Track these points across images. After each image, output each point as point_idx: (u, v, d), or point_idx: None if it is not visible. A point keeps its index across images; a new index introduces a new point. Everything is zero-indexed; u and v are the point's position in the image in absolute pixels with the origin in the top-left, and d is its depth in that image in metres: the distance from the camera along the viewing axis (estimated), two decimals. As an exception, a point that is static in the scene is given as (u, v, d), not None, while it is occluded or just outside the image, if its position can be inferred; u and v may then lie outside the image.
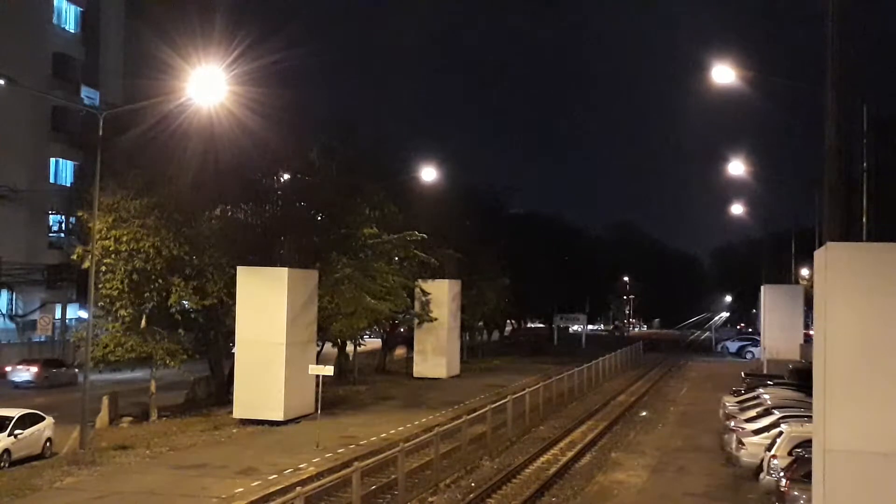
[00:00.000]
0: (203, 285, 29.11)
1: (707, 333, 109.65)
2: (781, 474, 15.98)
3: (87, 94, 51.95)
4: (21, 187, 46.04)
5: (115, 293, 27.97)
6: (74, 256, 29.47)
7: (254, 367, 27.31)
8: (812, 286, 14.05)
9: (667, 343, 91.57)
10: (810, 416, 13.04)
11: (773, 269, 52.57)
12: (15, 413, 22.96)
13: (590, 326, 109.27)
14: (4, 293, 48.96)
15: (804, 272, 57.03)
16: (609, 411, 34.13)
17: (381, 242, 36.00)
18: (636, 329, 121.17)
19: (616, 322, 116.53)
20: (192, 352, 31.86)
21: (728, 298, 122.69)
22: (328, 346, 39.03)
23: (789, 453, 16.85)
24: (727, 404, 26.97)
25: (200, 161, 28.42)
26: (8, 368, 40.27)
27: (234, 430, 26.29)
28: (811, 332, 19.58)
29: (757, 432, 20.40)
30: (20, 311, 49.67)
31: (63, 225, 51.19)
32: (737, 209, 56.08)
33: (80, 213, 31.33)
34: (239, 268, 28.30)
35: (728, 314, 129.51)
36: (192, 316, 30.61)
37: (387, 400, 34.43)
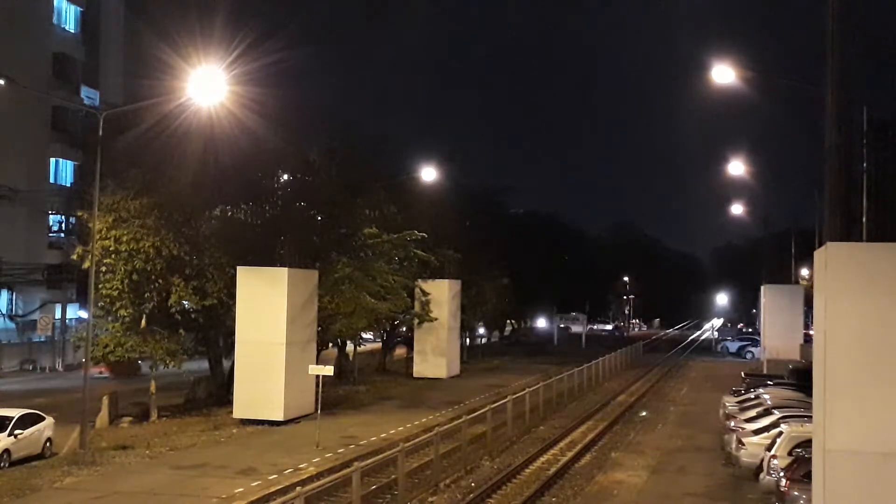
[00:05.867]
0: (203, 285, 29.11)
1: (707, 333, 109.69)
2: (781, 474, 15.98)
3: (87, 94, 51.98)
4: (21, 187, 46.04)
5: (115, 293, 27.98)
6: (74, 256, 29.48)
7: (254, 367, 27.30)
8: (812, 286, 14.04)
9: (667, 343, 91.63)
10: (810, 416, 13.05)
11: (773, 269, 52.55)
12: (15, 413, 22.95)
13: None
14: (4, 293, 48.96)
15: (804, 272, 57.02)
16: (609, 411, 34.12)
17: (381, 242, 36.01)
18: (636, 329, 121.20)
19: (616, 322, 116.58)
20: (192, 352, 31.94)
21: (728, 298, 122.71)
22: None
23: (789, 453, 16.84)
24: (727, 404, 26.95)
25: (200, 161, 28.42)
26: None
27: (234, 430, 26.29)
28: (811, 332, 19.57)
29: (757, 432, 20.39)
30: (20, 311, 49.68)
31: (63, 225, 51.21)
32: (737, 209, 56.08)
33: (80, 213, 31.34)
34: (239, 268, 28.29)
35: (728, 314, 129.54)
36: (192, 316, 30.61)
37: (387, 400, 34.44)
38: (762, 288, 51.48)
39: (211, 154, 28.87)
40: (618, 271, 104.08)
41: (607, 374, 47.06)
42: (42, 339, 49.39)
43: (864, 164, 11.93)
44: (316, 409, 24.70)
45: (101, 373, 40.95)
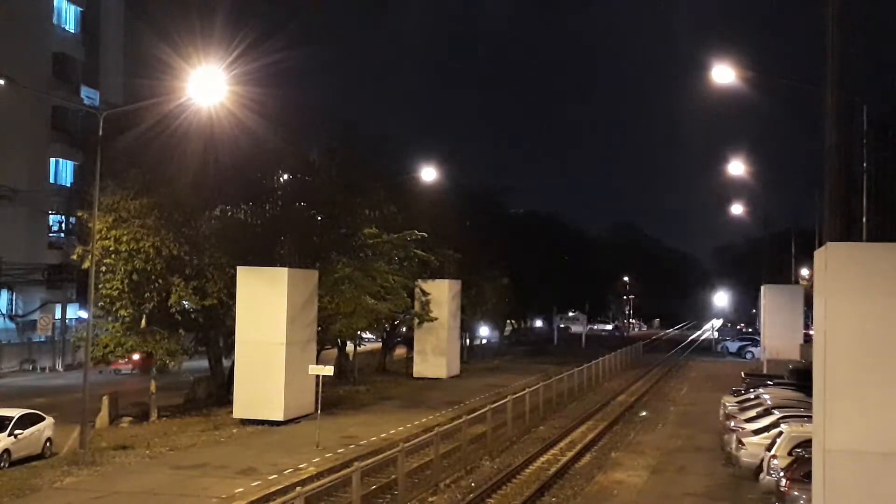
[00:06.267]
0: (203, 285, 29.11)
1: (707, 333, 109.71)
2: (781, 474, 15.98)
3: (87, 94, 52.00)
4: (21, 187, 46.07)
5: (116, 293, 27.98)
6: (74, 256, 29.48)
7: (254, 367, 27.31)
8: (812, 286, 14.04)
9: (667, 343, 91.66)
10: (810, 416, 13.05)
11: (773, 269, 52.57)
12: (15, 413, 22.95)
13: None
14: (4, 293, 48.98)
15: (804, 272, 57.02)
16: (609, 411, 34.12)
17: (381, 242, 36.03)
18: (636, 329, 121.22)
19: (616, 322, 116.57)
20: (192, 352, 31.95)
21: (728, 299, 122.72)
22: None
23: (789, 453, 16.84)
24: (727, 404, 26.94)
25: (200, 161, 28.41)
26: None
27: (234, 430, 26.30)
28: (811, 332, 19.58)
29: (757, 432, 20.39)
30: (20, 311, 49.69)
31: (63, 225, 51.21)
32: (737, 209, 56.09)
33: (80, 213, 31.35)
34: (239, 268, 28.30)
35: (728, 314, 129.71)
36: (192, 316, 30.61)
37: (387, 400, 34.44)
38: (762, 288, 51.47)
39: (211, 154, 28.86)
40: (618, 271, 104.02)
41: (607, 374, 47.06)
42: (42, 339, 49.39)
43: (864, 164, 11.94)
44: (316, 409, 24.71)
45: (126, 369, 42.15)
